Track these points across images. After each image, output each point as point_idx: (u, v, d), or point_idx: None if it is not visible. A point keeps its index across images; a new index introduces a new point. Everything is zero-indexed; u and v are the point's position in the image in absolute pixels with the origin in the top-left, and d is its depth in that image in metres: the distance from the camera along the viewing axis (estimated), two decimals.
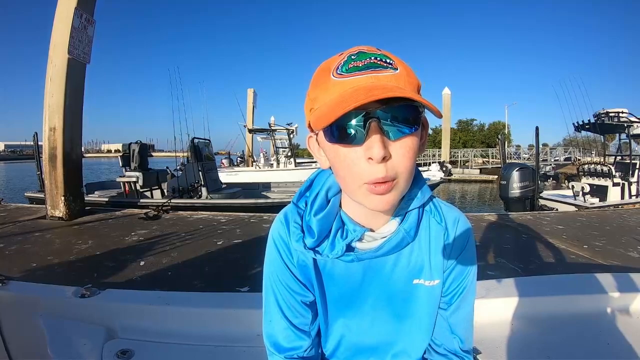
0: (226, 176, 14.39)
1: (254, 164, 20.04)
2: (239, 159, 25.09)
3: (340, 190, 0.63)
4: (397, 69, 0.51)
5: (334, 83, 0.51)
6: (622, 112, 8.84)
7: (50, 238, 3.34)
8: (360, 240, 0.61)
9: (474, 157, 27.93)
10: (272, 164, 18.13)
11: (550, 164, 26.47)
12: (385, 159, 0.49)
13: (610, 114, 8.86)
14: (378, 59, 0.51)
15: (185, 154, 7.07)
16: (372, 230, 0.62)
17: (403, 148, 0.51)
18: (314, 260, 0.64)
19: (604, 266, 2.70)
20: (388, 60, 0.52)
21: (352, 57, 0.52)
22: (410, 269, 0.64)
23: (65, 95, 4.27)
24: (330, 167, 0.59)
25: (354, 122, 0.49)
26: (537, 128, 7.31)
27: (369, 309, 0.67)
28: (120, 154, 7.05)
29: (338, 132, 0.50)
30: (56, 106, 4.27)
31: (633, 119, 8.66)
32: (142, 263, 2.61)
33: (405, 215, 0.62)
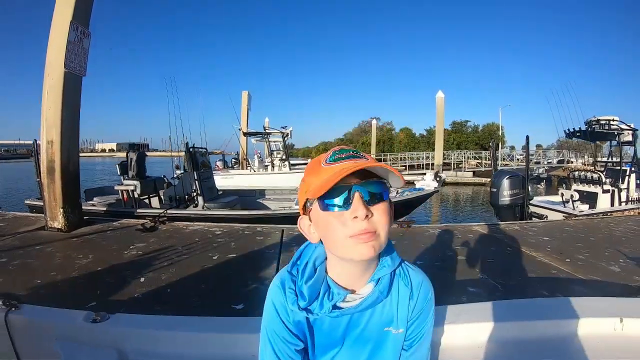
0: (221, 179, 14.46)
1: (248, 167, 20.16)
2: (233, 159, 25.19)
3: (325, 259, 0.82)
4: (368, 159, 0.72)
5: (324, 169, 0.71)
6: (613, 120, 8.98)
7: (51, 252, 3.41)
8: (343, 300, 0.80)
9: (467, 159, 28.09)
10: (267, 166, 18.29)
11: (544, 167, 26.80)
12: (367, 217, 0.68)
13: (601, 122, 8.99)
14: (355, 152, 0.72)
15: (180, 153, 7.16)
16: (353, 292, 0.80)
17: (380, 209, 0.71)
18: (306, 317, 0.81)
19: (583, 281, 2.81)
20: (361, 154, 0.72)
21: (336, 152, 0.73)
22: (383, 319, 0.83)
23: (63, 108, 4.33)
24: (319, 241, 0.79)
25: (342, 194, 0.69)
26: (527, 137, 7.48)
27: (348, 351, 0.85)
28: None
29: (330, 203, 0.70)
30: (53, 119, 4.33)
31: (624, 126, 8.81)
32: (142, 279, 2.71)
33: (379, 280, 0.80)
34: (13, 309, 1.58)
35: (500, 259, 3.38)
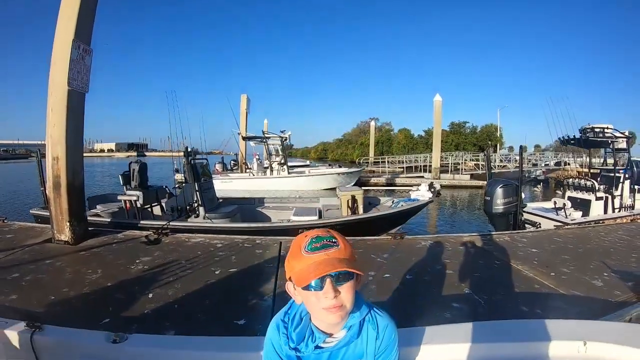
0: (221, 183, 14.67)
1: (247, 170, 20.36)
2: (232, 161, 25.42)
3: (308, 312, 1.09)
4: (339, 245, 0.99)
5: (304, 258, 0.98)
6: (607, 128, 9.08)
7: (61, 267, 3.57)
8: (324, 342, 1.07)
9: (465, 161, 28.13)
10: (266, 169, 18.50)
11: (541, 169, 26.95)
12: (336, 296, 0.97)
13: (596, 129, 9.09)
14: (328, 240, 0.99)
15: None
16: (331, 335, 1.08)
17: (346, 288, 0.99)
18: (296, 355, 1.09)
19: (563, 297, 2.96)
20: (334, 240, 0.99)
21: (313, 240, 0.99)
22: (356, 353, 1.11)
23: (67, 125, 4.47)
24: (301, 302, 1.07)
25: (318, 280, 0.96)
26: (521, 147, 7.67)
27: None
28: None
29: (309, 286, 0.97)
30: (58, 137, 4.48)
31: (618, 134, 8.93)
32: (150, 295, 2.87)
33: (350, 327, 1.08)
34: (37, 330, 1.74)
35: (486, 273, 3.54)
